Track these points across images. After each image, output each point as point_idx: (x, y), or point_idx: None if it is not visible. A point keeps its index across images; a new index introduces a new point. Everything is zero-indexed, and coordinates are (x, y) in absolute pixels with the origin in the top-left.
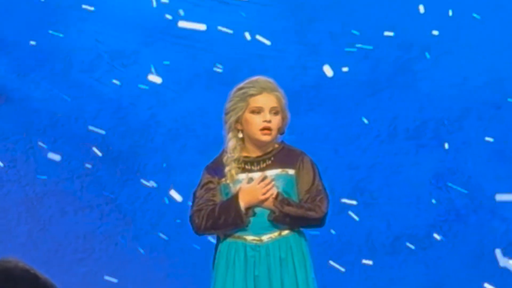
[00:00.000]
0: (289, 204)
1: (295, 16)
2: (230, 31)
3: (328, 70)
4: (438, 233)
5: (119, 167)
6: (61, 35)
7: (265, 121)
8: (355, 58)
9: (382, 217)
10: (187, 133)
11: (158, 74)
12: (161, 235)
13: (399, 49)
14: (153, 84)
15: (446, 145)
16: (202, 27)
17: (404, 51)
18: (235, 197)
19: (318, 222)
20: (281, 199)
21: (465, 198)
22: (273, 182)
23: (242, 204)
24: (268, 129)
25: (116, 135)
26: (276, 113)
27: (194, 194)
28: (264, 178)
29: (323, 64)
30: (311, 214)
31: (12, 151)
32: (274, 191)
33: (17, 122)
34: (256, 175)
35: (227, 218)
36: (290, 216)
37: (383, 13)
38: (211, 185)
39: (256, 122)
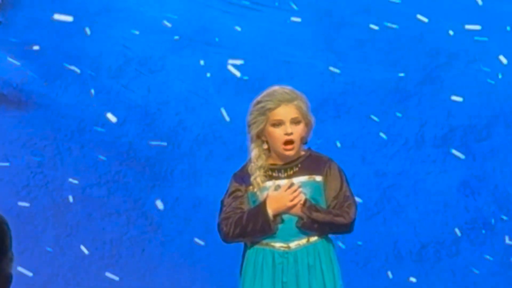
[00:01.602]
0: (317, 210)
1: (323, 22)
2: (258, 37)
3: None
4: (465, 241)
5: (146, 173)
6: (88, 41)
7: (287, 133)
8: (383, 65)
9: (409, 225)
10: (214, 140)
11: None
12: (187, 241)
13: (427, 57)
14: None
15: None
16: None
17: (431, 58)
18: (263, 204)
19: (346, 228)
20: (309, 206)
21: (493, 206)
22: (300, 189)
23: (270, 211)
24: (291, 142)
25: (143, 141)
26: (297, 123)
27: (222, 202)
28: (291, 185)
29: (350, 71)
30: (339, 220)
31: (40, 156)
32: (301, 198)
33: (45, 128)
34: (283, 182)
35: (255, 225)
36: (318, 222)
37: (410, 22)
38: (239, 193)
39: (277, 135)
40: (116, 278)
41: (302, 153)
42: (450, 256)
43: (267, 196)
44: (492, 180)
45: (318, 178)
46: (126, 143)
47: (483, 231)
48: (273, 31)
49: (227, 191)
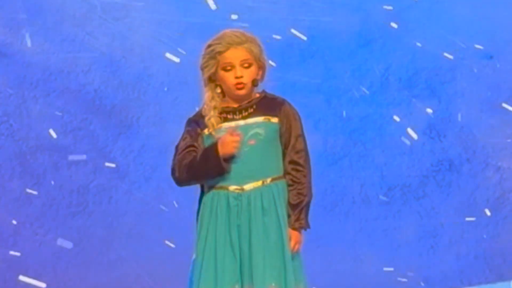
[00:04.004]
0: (304, 215)
1: None
2: None
3: None
4: (432, 183)
5: (112, 121)
6: None
7: (237, 77)
8: (347, 9)
9: (376, 168)
10: (179, 86)
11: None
12: (155, 188)
13: (390, 0)
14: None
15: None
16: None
17: (396, 1)
18: (214, 147)
19: (310, 184)
20: (298, 225)
21: (458, 147)
22: (239, 136)
23: (221, 154)
24: (241, 84)
25: (108, 88)
26: (248, 66)
27: (176, 147)
28: (235, 129)
29: (315, 15)
30: (305, 191)
31: (5, 105)
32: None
33: (10, 76)
34: (240, 123)
35: (208, 167)
36: (307, 211)
37: None
38: (193, 134)
39: (228, 79)
40: (83, 226)
41: (257, 95)
42: (417, 198)
43: (218, 139)
44: (458, 122)
45: (274, 119)
46: (92, 91)
47: (449, 173)
48: None
49: (181, 136)
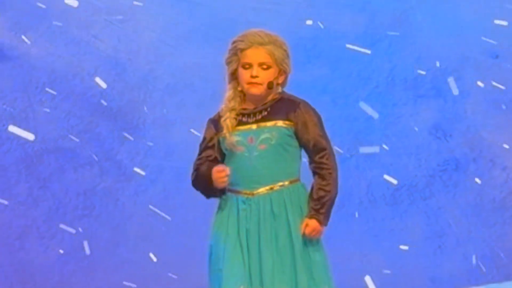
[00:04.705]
0: (324, 211)
1: None
2: None
3: None
4: (438, 183)
5: (118, 123)
6: None
7: (252, 76)
8: (352, 10)
9: (382, 168)
10: (185, 88)
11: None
12: (161, 190)
13: (396, 0)
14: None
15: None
16: None
17: (400, 1)
18: (209, 177)
19: (336, 181)
20: (316, 218)
21: (465, 147)
22: (227, 174)
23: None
24: (255, 83)
25: (114, 91)
26: (267, 68)
27: (200, 146)
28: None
29: (320, 16)
30: (329, 188)
31: (11, 108)
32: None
33: (16, 80)
34: (253, 127)
35: (207, 191)
36: (329, 206)
37: None
38: (211, 134)
39: (244, 77)
40: (90, 229)
41: (275, 96)
42: (424, 198)
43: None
44: (464, 122)
45: (286, 123)
46: (97, 93)
47: (456, 173)
48: None
49: (203, 135)
